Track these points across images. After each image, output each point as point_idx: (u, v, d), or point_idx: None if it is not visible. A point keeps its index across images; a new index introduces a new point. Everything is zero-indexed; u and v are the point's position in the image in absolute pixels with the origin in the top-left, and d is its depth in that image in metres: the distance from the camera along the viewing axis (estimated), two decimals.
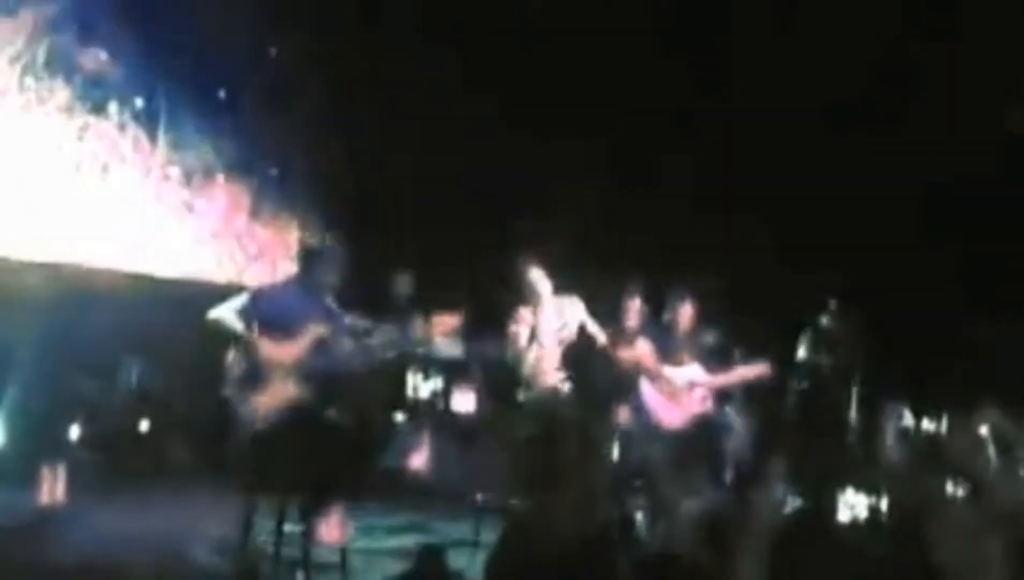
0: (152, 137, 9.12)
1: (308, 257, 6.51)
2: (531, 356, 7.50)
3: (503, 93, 9.71)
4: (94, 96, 8.78)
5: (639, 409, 7.83)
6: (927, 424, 8.24)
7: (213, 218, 9.49)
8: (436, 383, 8.88)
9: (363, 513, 6.86)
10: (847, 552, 4.46)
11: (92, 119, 8.77)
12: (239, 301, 6.32)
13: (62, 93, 8.61)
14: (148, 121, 9.10)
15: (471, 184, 9.65)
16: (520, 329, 7.52)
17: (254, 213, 9.80)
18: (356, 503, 6.45)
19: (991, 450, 7.68)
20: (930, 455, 7.89)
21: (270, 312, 6.24)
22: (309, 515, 6.05)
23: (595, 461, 7.51)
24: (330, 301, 6.39)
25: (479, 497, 7.36)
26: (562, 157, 9.39)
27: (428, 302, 7.90)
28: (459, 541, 6.71)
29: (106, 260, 8.69)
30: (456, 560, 5.73)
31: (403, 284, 9.12)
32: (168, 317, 7.90)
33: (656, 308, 8.14)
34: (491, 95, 9.68)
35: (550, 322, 7.53)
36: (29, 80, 8.44)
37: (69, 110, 8.65)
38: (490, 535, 6.67)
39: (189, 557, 6.01)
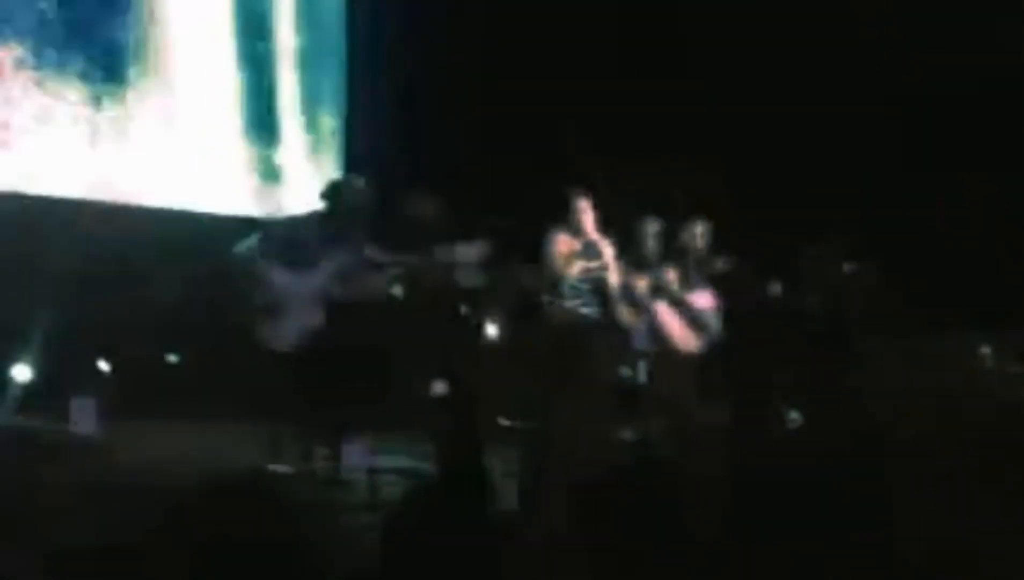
0: None
1: (334, 193, 6.61)
2: (563, 282, 7.49)
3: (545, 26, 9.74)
4: None
5: (655, 334, 7.97)
6: (929, 348, 8.32)
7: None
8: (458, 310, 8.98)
9: (387, 435, 7.04)
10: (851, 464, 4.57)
11: None
12: (264, 234, 6.46)
13: None
14: None
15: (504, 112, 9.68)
16: (557, 256, 7.49)
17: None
18: (381, 427, 6.63)
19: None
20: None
21: (295, 244, 6.39)
22: (336, 440, 6.24)
23: (611, 382, 7.70)
24: (356, 234, 6.51)
25: (500, 419, 7.52)
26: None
27: (451, 232, 8.01)
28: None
29: (131, 194, 8.78)
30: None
31: (425, 212, 9.18)
32: (192, 249, 8.03)
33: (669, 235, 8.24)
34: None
35: (586, 254, 7.50)
36: None
37: None
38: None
39: (219, 484, 6.17)
